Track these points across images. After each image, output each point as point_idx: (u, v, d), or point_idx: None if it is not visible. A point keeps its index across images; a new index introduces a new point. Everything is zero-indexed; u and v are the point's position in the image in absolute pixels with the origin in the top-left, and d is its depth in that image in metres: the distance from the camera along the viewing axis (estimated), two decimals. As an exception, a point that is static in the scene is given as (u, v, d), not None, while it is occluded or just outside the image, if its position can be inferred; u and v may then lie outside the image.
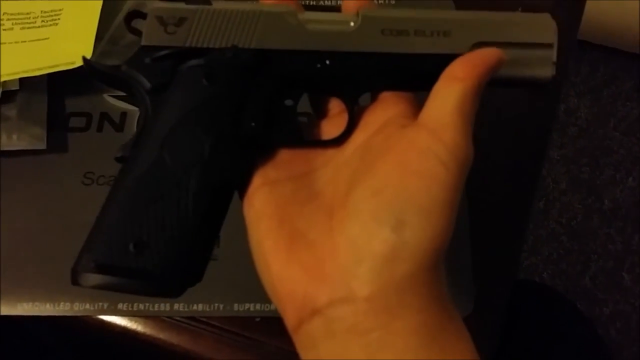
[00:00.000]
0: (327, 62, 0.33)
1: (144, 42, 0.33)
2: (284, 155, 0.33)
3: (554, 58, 0.34)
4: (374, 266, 0.27)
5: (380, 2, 0.56)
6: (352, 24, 0.33)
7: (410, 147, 0.29)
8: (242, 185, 0.32)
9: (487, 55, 0.32)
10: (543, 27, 0.34)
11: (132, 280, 0.30)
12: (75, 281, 0.30)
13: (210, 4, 0.33)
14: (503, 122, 0.53)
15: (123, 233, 0.30)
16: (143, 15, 0.33)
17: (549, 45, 0.34)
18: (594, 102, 1.38)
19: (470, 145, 0.30)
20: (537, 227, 1.25)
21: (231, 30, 0.32)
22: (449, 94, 0.30)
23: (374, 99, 0.34)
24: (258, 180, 0.32)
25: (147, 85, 0.32)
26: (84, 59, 0.34)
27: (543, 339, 0.63)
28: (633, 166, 1.31)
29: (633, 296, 1.18)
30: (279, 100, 0.33)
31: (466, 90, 0.30)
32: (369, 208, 0.28)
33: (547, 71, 0.34)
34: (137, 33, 0.33)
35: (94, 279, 0.30)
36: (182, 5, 0.33)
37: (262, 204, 0.31)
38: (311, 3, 0.55)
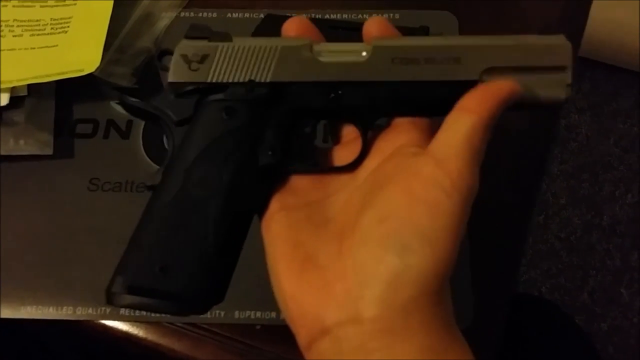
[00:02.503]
0: (340, 91, 0.34)
1: (170, 79, 0.35)
2: (301, 182, 0.34)
3: (569, 80, 0.34)
4: (379, 289, 0.28)
5: (385, 15, 0.56)
6: (364, 53, 0.34)
7: (416, 176, 0.30)
8: (261, 210, 0.34)
9: (500, 89, 0.32)
10: (558, 49, 0.34)
11: (160, 301, 0.32)
12: (109, 301, 0.32)
13: (231, 40, 0.35)
14: (503, 137, 0.53)
15: (151, 257, 0.32)
16: (172, 53, 0.35)
17: (563, 68, 0.34)
18: (594, 119, 1.39)
19: (475, 177, 0.30)
20: (537, 241, 1.25)
21: (249, 65, 0.34)
22: (459, 126, 0.31)
23: (388, 124, 0.35)
24: (275, 206, 0.33)
25: (174, 118, 0.34)
26: (120, 94, 0.36)
27: (540, 353, 0.63)
28: (633, 183, 1.31)
29: (631, 312, 1.19)
30: (295, 130, 0.35)
31: (476, 123, 0.31)
32: (376, 234, 0.29)
33: (561, 93, 0.34)
34: (166, 69, 0.35)
35: (126, 299, 0.32)
36: (205, 42, 0.35)
37: (278, 228, 0.32)
38: (317, 16, 0.56)
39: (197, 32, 0.35)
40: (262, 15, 0.55)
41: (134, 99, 0.35)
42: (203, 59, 0.34)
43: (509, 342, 0.60)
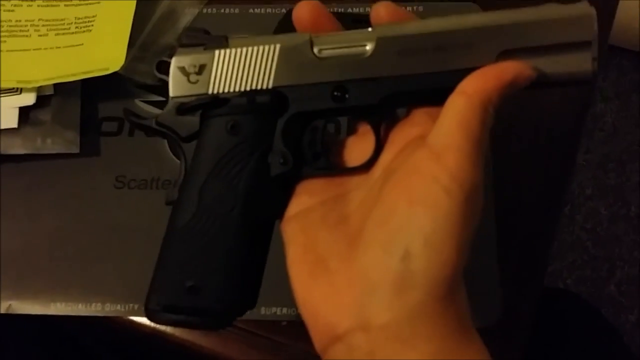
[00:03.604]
0: (345, 90, 0.33)
1: (171, 94, 0.34)
2: (317, 182, 0.33)
3: (595, 54, 0.31)
4: (385, 296, 0.27)
5: (409, 8, 0.56)
6: (368, 47, 0.32)
7: (414, 173, 0.29)
8: (281, 215, 0.33)
9: (503, 71, 0.30)
10: (580, 21, 0.31)
11: (192, 317, 0.33)
12: (149, 317, 0.34)
13: (227, 44, 0.33)
14: (531, 128, 0.52)
15: (179, 276, 0.33)
16: (169, 63, 0.34)
17: (587, 43, 0.30)
18: (621, 107, 1.36)
19: (477, 168, 0.28)
20: (562, 232, 1.24)
21: (249, 72, 0.33)
22: (455, 111, 0.29)
23: (405, 114, 0.34)
24: (292, 209, 0.33)
25: (180, 135, 0.34)
26: (124, 111, 0.36)
27: (567, 347, 0.63)
28: (660, 172, 1.29)
29: (659, 304, 1.17)
30: (305, 133, 0.34)
31: (473, 107, 0.29)
32: (378, 238, 0.28)
33: (587, 68, 0.31)
34: (166, 79, 0.35)
35: (162, 317, 0.33)
36: (201, 51, 0.34)
37: (292, 232, 0.32)
38: (339, 10, 0.55)
39: (192, 38, 0.34)
40: (284, 10, 0.55)
41: (138, 117, 0.35)
42: (201, 69, 0.33)
43: (533, 336, 0.60)
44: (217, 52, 0.33)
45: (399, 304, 0.27)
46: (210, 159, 0.33)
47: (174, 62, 0.34)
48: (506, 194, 0.48)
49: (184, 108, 0.33)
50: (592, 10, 0.31)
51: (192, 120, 0.33)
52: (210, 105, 0.33)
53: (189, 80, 0.33)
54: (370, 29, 0.33)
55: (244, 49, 0.33)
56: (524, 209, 0.50)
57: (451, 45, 0.31)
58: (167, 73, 0.34)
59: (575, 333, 0.64)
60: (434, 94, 0.31)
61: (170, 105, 0.34)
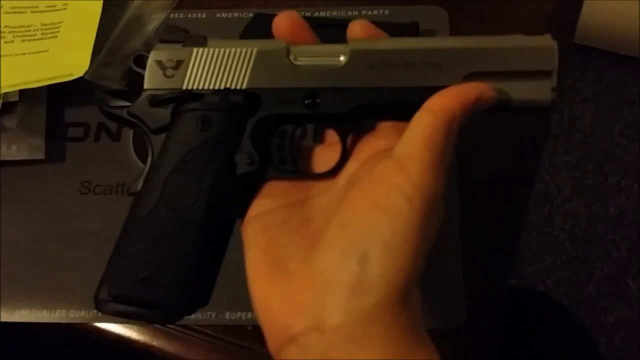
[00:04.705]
0: (317, 97, 0.34)
1: (146, 86, 0.34)
2: (279, 185, 0.34)
3: (554, 84, 0.33)
4: (341, 298, 0.28)
5: (375, 12, 0.56)
6: (342, 58, 0.33)
7: (378, 181, 0.30)
8: (242, 216, 0.34)
9: (468, 89, 0.31)
10: (542, 52, 0.33)
11: (141, 310, 0.33)
12: (97, 307, 0.33)
13: (206, 43, 0.34)
14: (496, 130, 0.53)
15: (133, 267, 0.32)
16: (147, 57, 0.35)
17: (548, 73, 0.33)
18: (599, 108, 1.37)
19: (438, 180, 0.29)
20: (541, 234, 1.24)
21: (224, 71, 0.34)
22: (420, 126, 0.30)
23: (371, 128, 0.35)
24: (253, 210, 0.33)
25: (150, 127, 0.34)
26: (97, 99, 0.35)
27: (546, 348, 0.63)
28: (638, 172, 1.30)
29: (638, 303, 1.17)
30: (273, 136, 0.35)
31: (438, 124, 0.30)
32: (338, 241, 0.29)
33: (545, 97, 0.33)
34: (142, 76, 0.35)
35: (112, 307, 0.33)
36: (179, 47, 0.34)
37: (252, 233, 0.32)
38: (321, 14, 0.56)
39: (171, 35, 0.35)
40: (251, 15, 0.55)
41: (111, 106, 0.35)
42: (178, 64, 0.34)
43: (509, 337, 0.60)
44: (195, 49, 0.34)
45: (353, 306, 0.28)
46: (178, 152, 0.33)
47: (152, 56, 0.34)
48: (470, 195, 0.49)
49: (157, 100, 0.34)
50: (554, 44, 0.33)
51: (164, 113, 0.34)
52: (183, 100, 0.34)
53: (165, 75, 0.34)
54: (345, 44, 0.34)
55: (222, 50, 0.34)
56: (487, 212, 0.50)
57: (421, 63, 0.33)
58: (144, 67, 0.35)
59: (555, 334, 0.65)
60: (402, 108, 0.32)
61: (144, 96, 0.34)
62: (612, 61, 1.39)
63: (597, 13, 1.24)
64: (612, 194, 1.28)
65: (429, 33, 0.54)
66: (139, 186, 0.34)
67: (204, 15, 0.57)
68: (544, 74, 0.33)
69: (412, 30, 0.53)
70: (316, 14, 0.56)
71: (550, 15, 0.57)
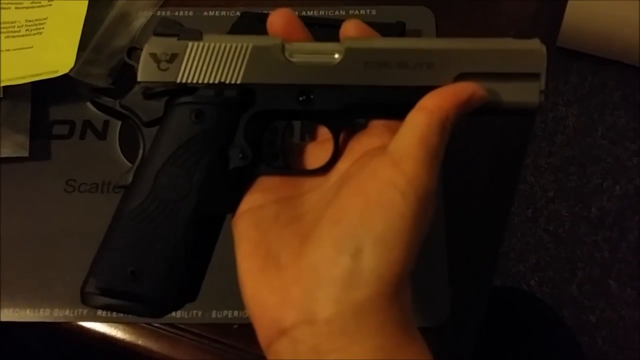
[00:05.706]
0: (311, 94, 0.34)
1: (139, 79, 0.34)
2: (271, 180, 0.34)
3: (543, 87, 0.33)
4: (333, 291, 0.28)
5: (362, 12, 0.56)
6: (336, 55, 0.34)
7: (372, 176, 0.30)
8: (233, 211, 0.34)
9: (460, 89, 0.32)
10: (532, 55, 0.33)
11: (131, 304, 0.32)
12: (84, 300, 0.33)
13: (201, 37, 0.34)
14: (480, 132, 0.53)
15: (122, 260, 0.32)
16: (141, 50, 0.34)
17: (536, 75, 0.33)
18: (582, 111, 1.39)
19: (432, 177, 0.30)
20: (525, 234, 1.25)
21: (219, 66, 0.34)
22: (415, 125, 0.31)
23: (364, 126, 0.35)
24: (244, 205, 0.33)
25: (143, 119, 0.34)
26: (91, 94, 0.35)
27: (529, 348, 0.64)
28: (620, 174, 1.31)
29: (619, 304, 1.19)
30: (265, 132, 0.35)
31: (432, 122, 0.30)
32: (331, 235, 0.29)
33: (534, 100, 0.34)
34: (135, 68, 0.34)
35: (99, 300, 0.32)
36: (174, 41, 0.34)
37: (244, 227, 0.32)
38: (308, 14, 0.56)
39: (166, 28, 0.35)
40: (238, 13, 0.55)
41: (104, 98, 0.35)
42: (172, 58, 0.34)
43: (491, 336, 0.60)
44: (190, 43, 0.34)
45: (345, 299, 0.28)
46: (170, 145, 0.33)
47: (147, 48, 0.34)
48: (455, 196, 0.49)
49: (151, 93, 0.34)
50: (543, 48, 0.34)
51: (157, 106, 0.34)
52: (177, 93, 0.34)
53: (159, 67, 0.34)
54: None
55: (217, 44, 0.34)
56: (473, 210, 0.50)
57: (414, 63, 0.34)
58: (137, 60, 0.34)
59: (538, 333, 0.65)
60: (394, 107, 0.33)
61: (137, 89, 0.34)
62: (595, 64, 1.41)
63: (580, 16, 1.26)
64: (594, 195, 1.29)
65: (416, 33, 0.54)
66: (130, 179, 0.33)
67: (190, 13, 0.57)
68: (533, 77, 0.33)
69: (398, 30, 0.53)
70: (303, 13, 0.56)
71: (533, 17, 0.58)
